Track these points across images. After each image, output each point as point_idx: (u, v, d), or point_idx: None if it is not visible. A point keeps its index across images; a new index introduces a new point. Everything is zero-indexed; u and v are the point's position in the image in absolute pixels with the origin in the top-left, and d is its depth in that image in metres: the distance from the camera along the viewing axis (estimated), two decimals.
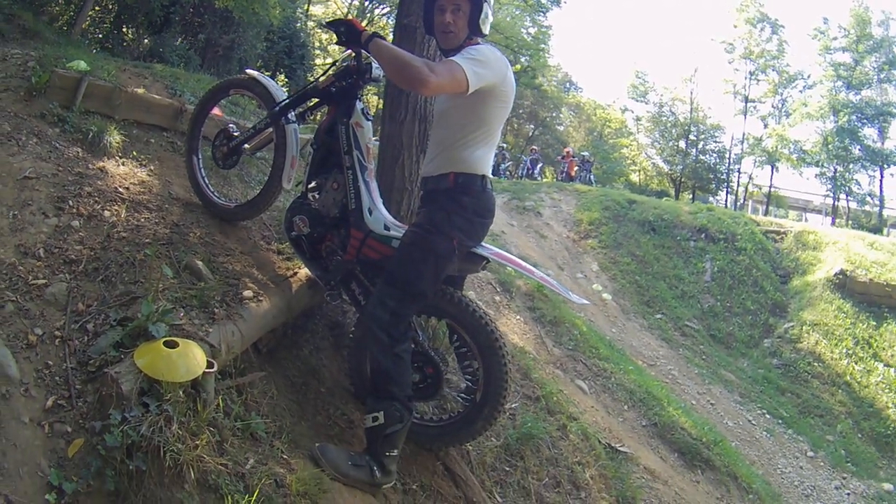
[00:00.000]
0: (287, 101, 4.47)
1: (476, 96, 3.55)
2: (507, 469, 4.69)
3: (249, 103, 7.50)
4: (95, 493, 2.80)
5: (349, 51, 4.10)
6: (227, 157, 4.79)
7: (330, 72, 4.29)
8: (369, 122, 4.22)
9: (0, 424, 2.82)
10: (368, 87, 4.37)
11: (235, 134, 4.77)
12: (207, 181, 4.95)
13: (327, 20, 4.20)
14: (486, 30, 3.79)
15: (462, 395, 4.15)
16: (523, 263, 4.00)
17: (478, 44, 3.73)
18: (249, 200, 4.81)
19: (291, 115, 4.51)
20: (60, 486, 2.74)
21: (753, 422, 11.45)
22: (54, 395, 3.07)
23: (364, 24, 28.23)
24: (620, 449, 6.21)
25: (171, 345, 3.12)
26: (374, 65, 4.10)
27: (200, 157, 4.97)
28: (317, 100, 4.47)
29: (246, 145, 4.75)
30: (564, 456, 5.21)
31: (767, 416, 11.91)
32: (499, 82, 3.60)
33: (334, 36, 3.89)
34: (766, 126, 39.72)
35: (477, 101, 3.61)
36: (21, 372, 3.07)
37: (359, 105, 4.19)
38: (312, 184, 4.32)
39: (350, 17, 29.33)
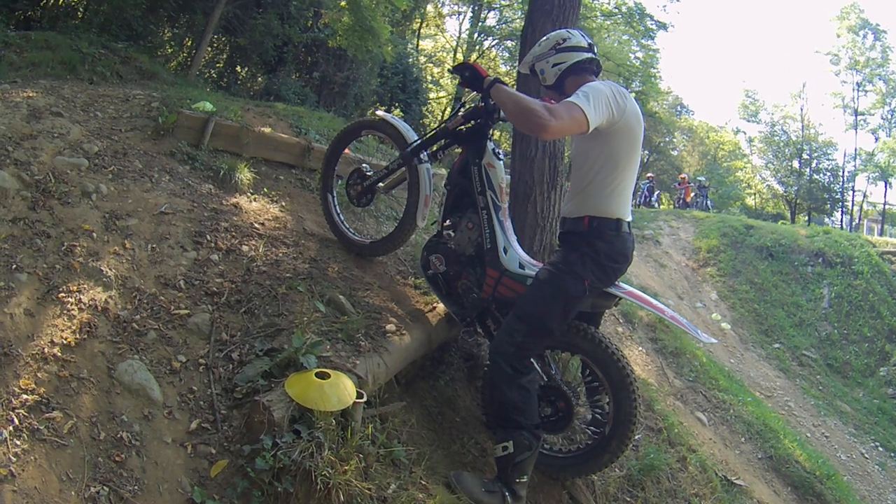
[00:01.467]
0: (419, 142, 4.61)
1: (601, 134, 3.59)
2: (629, 499, 4.67)
3: (372, 141, 7.68)
4: None
5: (475, 92, 4.16)
6: (361, 195, 4.94)
7: (459, 113, 4.39)
8: (501, 162, 4.30)
9: (141, 443, 2.99)
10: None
11: (369, 173, 4.92)
12: (343, 218, 5.13)
13: (453, 65, 4.31)
14: (553, 78, 3.90)
15: (591, 427, 4.15)
16: (653, 301, 3.98)
17: (590, 80, 3.77)
18: (385, 237, 4.95)
19: (423, 155, 4.63)
20: None
21: (866, 455, 11.04)
22: (198, 419, 3.23)
23: (474, 56, 28.56)
24: (736, 482, 6.11)
25: (323, 376, 3.26)
26: None
27: (335, 194, 5.15)
28: (447, 140, 4.56)
29: (380, 184, 4.89)
30: (683, 488, 5.17)
31: (881, 448, 11.49)
32: (618, 115, 3.57)
33: (459, 79, 4.00)
34: (877, 139, 38.32)
35: (603, 138, 3.63)
36: (164, 395, 3.25)
37: (490, 145, 4.27)
38: (447, 223, 4.43)
39: (459, 54, 29.59)
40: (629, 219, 3.82)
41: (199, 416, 3.25)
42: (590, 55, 3.92)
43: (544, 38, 4.03)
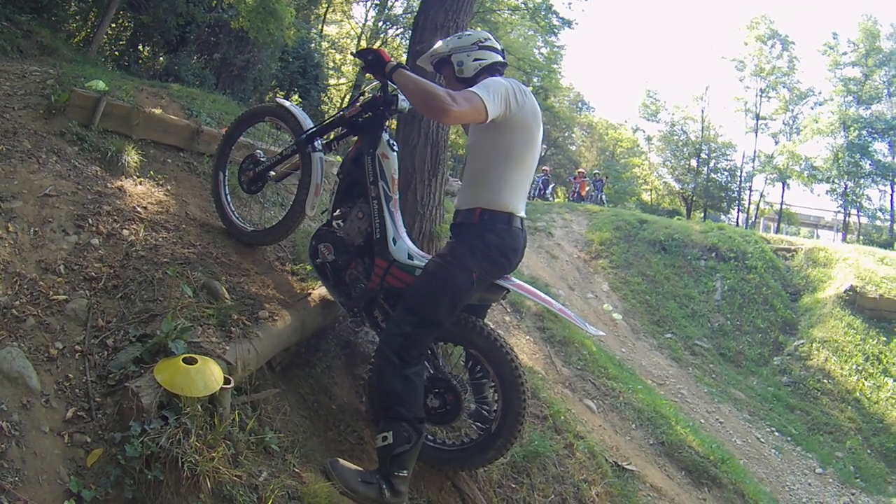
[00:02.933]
0: (314, 129, 4.59)
1: (497, 127, 3.67)
2: (514, 486, 4.72)
3: (267, 127, 7.51)
4: (113, 501, 2.88)
5: (376, 81, 4.21)
6: (252, 181, 4.89)
7: (357, 103, 4.40)
8: (395, 153, 4.32)
9: (21, 433, 2.91)
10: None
11: (262, 159, 4.87)
12: (230, 200, 5.06)
13: (357, 49, 4.33)
14: (472, 72, 3.97)
15: (478, 423, 4.19)
16: (542, 295, 4.05)
17: (494, 75, 3.88)
18: (272, 226, 4.90)
19: (318, 144, 4.61)
20: (79, 494, 2.83)
21: (762, 439, 11.39)
22: (74, 407, 3.17)
23: (378, 44, 28.42)
24: (627, 467, 6.23)
25: (190, 361, 3.22)
26: (401, 96, 4.22)
27: (227, 174, 5.08)
28: (343, 129, 4.56)
29: (272, 172, 4.84)
30: (571, 474, 5.24)
31: (776, 433, 11.84)
32: (516, 110, 3.68)
33: (363, 63, 4.03)
34: (777, 143, 39.66)
35: (498, 131, 3.71)
36: (42, 384, 3.17)
37: (385, 136, 4.29)
38: (337, 212, 4.43)
39: (363, 41, 29.38)
40: (522, 214, 3.89)
41: (75, 404, 3.18)
42: (502, 59, 4.07)
43: (465, 32, 4.14)
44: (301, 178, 4.65)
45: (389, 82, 3.92)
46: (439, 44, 4.15)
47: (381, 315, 4.24)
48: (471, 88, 3.54)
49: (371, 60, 3.83)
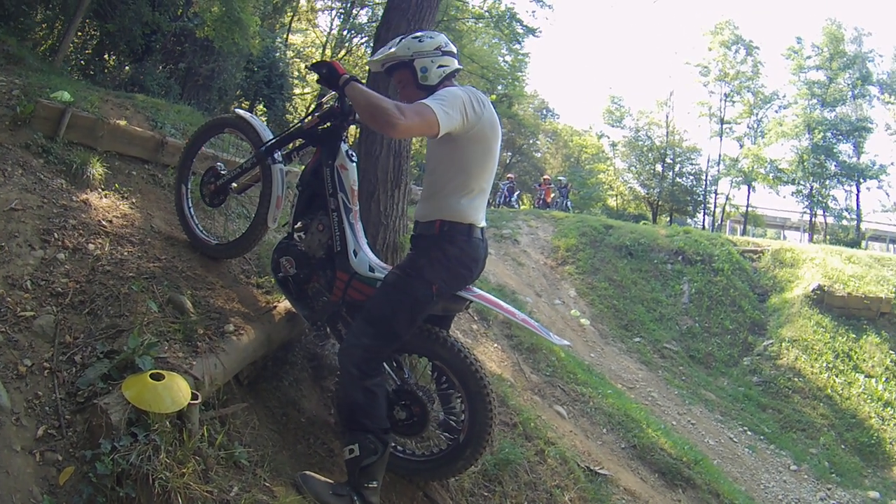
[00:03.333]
0: (273, 141, 4.55)
1: (453, 140, 3.60)
2: (486, 494, 4.71)
3: (229, 138, 7.46)
4: None
5: (334, 92, 4.13)
6: (214, 194, 4.83)
7: (315, 113, 4.37)
8: (354, 164, 4.28)
9: None
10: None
11: (223, 172, 4.82)
12: (193, 213, 5.01)
13: (312, 62, 4.25)
14: (437, 80, 3.84)
15: (446, 433, 4.18)
16: (505, 305, 4.02)
17: (452, 86, 3.81)
18: (235, 239, 4.86)
19: (278, 155, 4.57)
20: None
21: (735, 439, 11.46)
22: (45, 425, 3.14)
23: (342, 53, 28.20)
24: (599, 471, 6.23)
25: (158, 377, 3.20)
26: None
27: (189, 187, 5.04)
28: (303, 140, 4.53)
29: (233, 184, 4.79)
30: (543, 480, 5.24)
31: (749, 432, 11.93)
32: (473, 122, 3.59)
33: (317, 76, 3.93)
34: (741, 146, 40.08)
35: (454, 144, 3.64)
36: (12, 402, 3.13)
37: (343, 147, 4.25)
38: (298, 225, 4.38)
39: (328, 50, 29.15)
40: (482, 224, 3.84)
41: (46, 421, 3.15)
42: (459, 65, 4.01)
43: (423, 34, 3.99)
44: (262, 190, 4.62)
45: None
46: (397, 45, 3.95)
47: (344, 328, 4.20)
48: (424, 101, 3.45)
49: (325, 74, 3.76)
